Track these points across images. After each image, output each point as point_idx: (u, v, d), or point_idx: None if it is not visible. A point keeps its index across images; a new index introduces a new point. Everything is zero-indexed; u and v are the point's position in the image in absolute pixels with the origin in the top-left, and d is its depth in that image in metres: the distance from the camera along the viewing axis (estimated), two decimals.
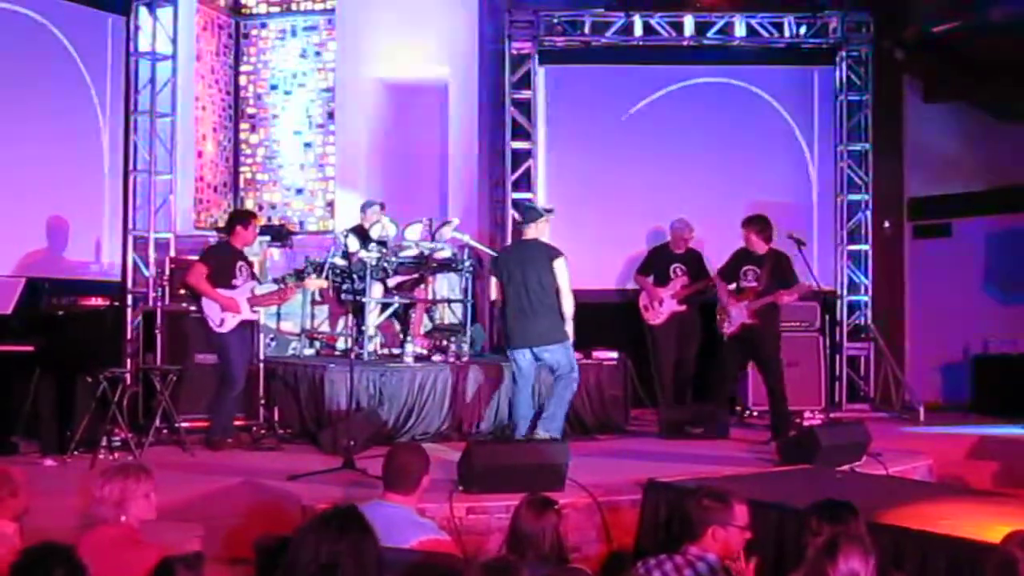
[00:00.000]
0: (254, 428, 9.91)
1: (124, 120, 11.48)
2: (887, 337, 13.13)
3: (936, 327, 13.82)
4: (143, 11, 11.63)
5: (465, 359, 10.35)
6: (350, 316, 10.87)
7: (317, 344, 11.64)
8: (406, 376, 9.85)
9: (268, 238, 12.62)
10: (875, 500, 6.10)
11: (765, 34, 13.25)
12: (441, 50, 13.57)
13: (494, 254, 12.28)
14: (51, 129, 10.72)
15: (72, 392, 8.83)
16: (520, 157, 13.22)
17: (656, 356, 11.53)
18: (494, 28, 13.51)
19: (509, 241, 13.08)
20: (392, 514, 5.29)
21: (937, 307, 13.82)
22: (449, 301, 11.61)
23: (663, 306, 11.49)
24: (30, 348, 8.68)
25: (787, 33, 13.26)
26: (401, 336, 11.02)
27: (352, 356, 9.56)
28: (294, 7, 14.58)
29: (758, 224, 10.25)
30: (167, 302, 10.50)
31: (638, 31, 13.19)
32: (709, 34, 13.23)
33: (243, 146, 14.58)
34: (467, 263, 11.08)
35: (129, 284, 11.41)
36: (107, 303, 10.85)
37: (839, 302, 13.13)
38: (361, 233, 10.87)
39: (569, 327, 9.05)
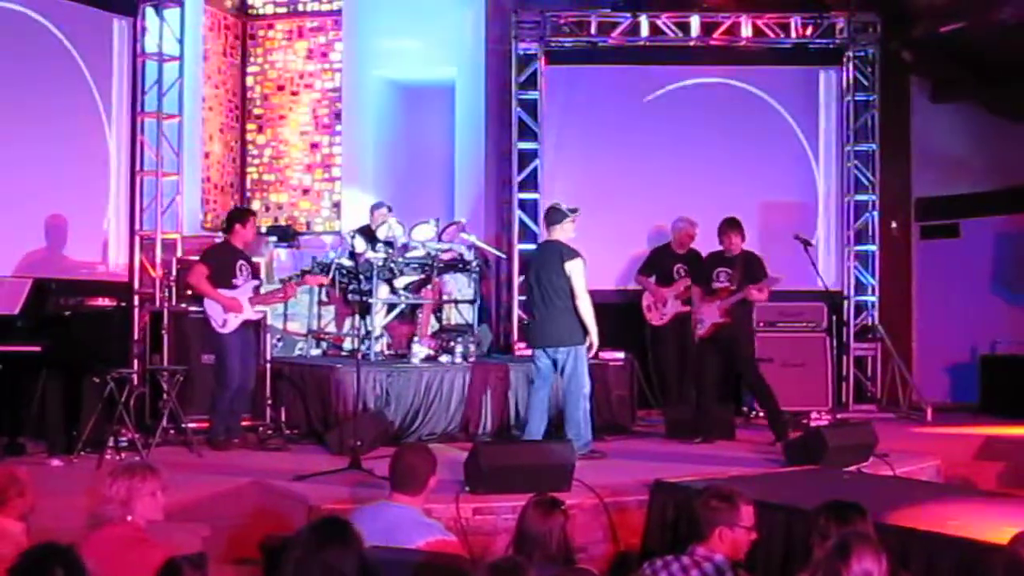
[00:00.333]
0: (261, 428, 9.90)
1: (131, 121, 11.49)
2: (894, 337, 13.10)
3: (944, 327, 13.81)
4: (150, 12, 11.63)
5: (472, 360, 10.34)
6: (356, 316, 10.87)
7: (324, 345, 11.65)
8: (413, 377, 9.85)
9: (275, 238, 12.62)
10: (882, 501, 6.09)
11: (771, 34, 13.23)
12: (448, 51, 13.58)
13: (501, 255, 12.31)
14: (56, 130, 10.72)
15: (79, 392, 8.84)
16: (526, 157, 13.21)
17: (659, 357, 11.53)
18: (500, 29, 13.50)
19: (515, 242, 13.10)
20: (399, 515, 5.30)
21: (944, 307, 13.81)
22: (456, 302, 11.61)
23: (667, 307, 11.48)
24: (37, 348, 8.69)
25: (793, 33, 13.24)
26: (408, 337, 11.03)
27: (359, 356, 9.56)
28: (301, 8, 14.59)
29: (738, 227, 10.26)
30: (174, 303, 10.50)
31: (644, 31, 13.18)
32: (715, 34, 13.22)
33: (250, 146, 14.60)
34: (474, 264, 11.07)
35: (136, 285, 11.41)
36: (114, 303, 10.88)
37: (846, 303, 13.11)
38: (368, 234, 10.87)
39: (592, 332, 8.97)
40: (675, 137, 13.13)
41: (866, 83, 13.23)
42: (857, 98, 13.23)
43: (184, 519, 6.62)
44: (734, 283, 10.11)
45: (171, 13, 11.72)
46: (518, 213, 13.15)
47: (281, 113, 14.54)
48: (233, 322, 9.35)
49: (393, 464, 5.61)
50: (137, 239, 11.46)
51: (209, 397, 9.66)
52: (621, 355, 10.71)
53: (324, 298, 11.60)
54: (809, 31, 13.25)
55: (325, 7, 14.52)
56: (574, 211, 9.14)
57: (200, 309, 9.66)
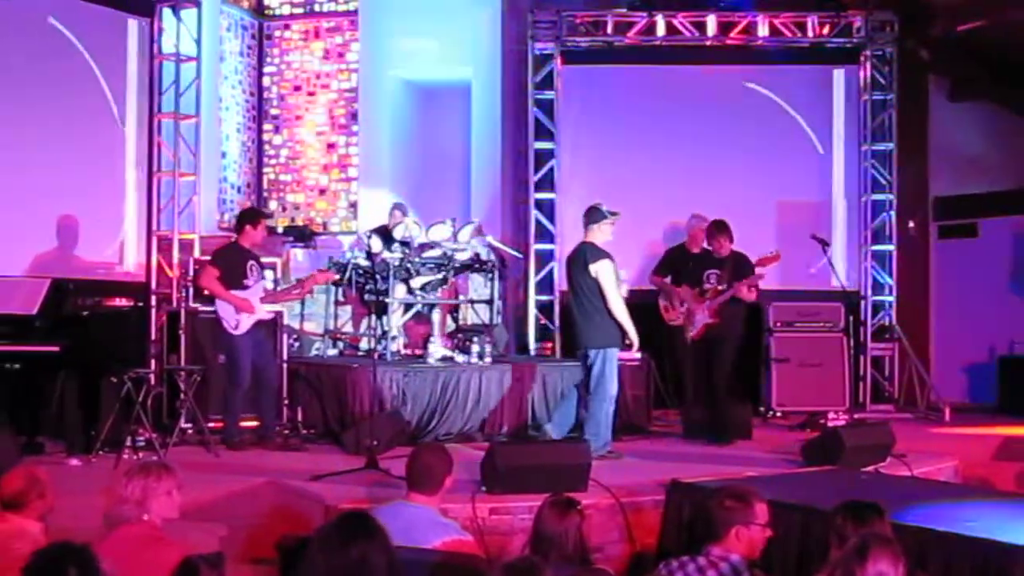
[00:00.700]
0: (277, 428, 9.91)
1: (148, 121, 11.52)
2: (912, 337, 13.07)
3: (961, 327, 13.76)
4: (167, 13, 11.67)
5: (488, 360, 10.34)
6: (373, 316, 10.87)
7: (340, 344, 11.65)
8: (429, 376, 9.84)
9: (291, 239, 12.64)
10: (900, 501, 6.07)
11: (788, 34, 13.21)
12: (464, 51, 13.59)
13: (517, 255, 12.31)
14: (70, 130, 10.77)
15: (97, 392, 8.86)
16: (543, 157, 13.21)
17: (676, 357, 11.50)
18: (517, 28, 13.51)
19: (532, 242, 13.11)
20: (415, 515, 5.30)
21: (962, 307, 13.76)
22: (472, 302, 11.61)
23: (683, 306, 11.45)
24: (55, 348, 8.72)
25: (810, 33, 13.22)
26: (425, 337, 11.03)
27: (375, 356, 9.57)
28: (317, 8, 14.61)
29: (727, 229, 10.31)
30: (191, 303, 10.52)
31: (661, 31, 13.17)
32: (732, 34, 13.20)
33: (266, 147, 14.63)
34: (490, 264, 11.07)
35: (153, 285, 11.44)
36: (131, 304, 10.91)
37: (863, 302, 13.07)
38: (385, 234, 10.88)
39: (630, 331, 8.95)
40: (691, 136, 13.11)
41: (883, 82, 13.19)
42: (874, 97, 13.19)
43: (201, 519, 6.64)
44: (723, 284, 10.13)
45: (188, 14, 11.75)
46: (534, 213, 13.16)
47: (298, 113, 14.57)
48: (245, 323, 9.37)
49: (410, 464, 5.61)
50: (154, 239, 11.50)
51: (222, 397, 9.67)
52: (637, 355, 10.69)
53: (341, 298, 11.60)
54: (826, 30, 13.22)
55: (341, 7, 14.54)
56: (614, 214, 9.11)
57: (212, 309, 9.68)
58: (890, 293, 13.18)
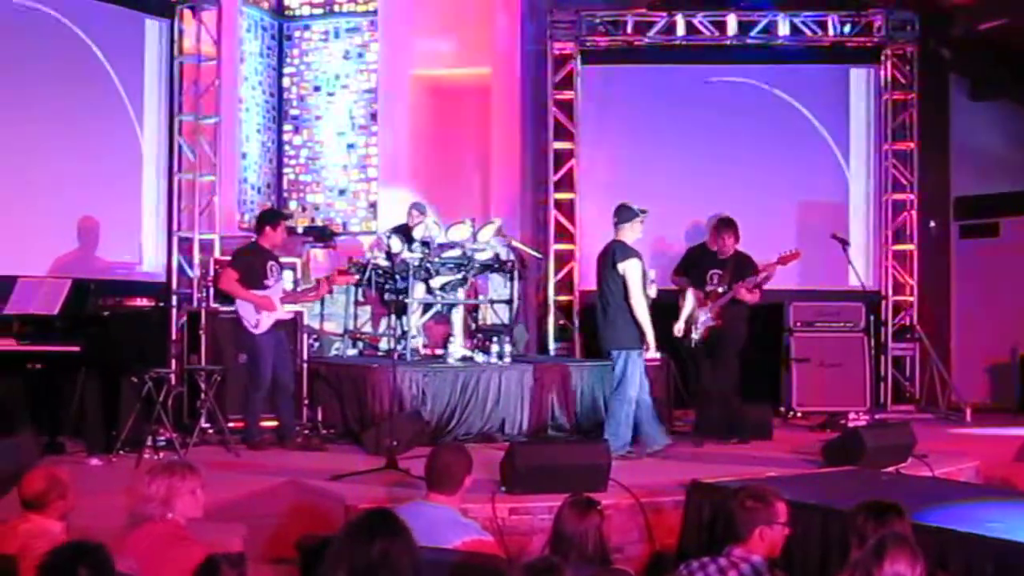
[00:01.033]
0: (297, 428, 9.92)
1: (168, 122, 11.56)
2: (933, 337, 13.02)
3: (983, 327, 13.71)
4: (187, 14, 11.71)
5: (508, 360, 10.34)
6: (393, 316, 10.89)
7: (360, 344, 11.68)
8: (449, 376, 9.85)
9: (311, 239, 12.66)
10: (921, 501, 6.05)
11: (809, 33, 13.18)
12: (483, 51, 13.59)
13: (538, 255, 12.30)
14: (89, 131, 10.82)
15: (117, 392, 8.90)
16: (562, 157, 13.21)
17: (684, 358, 11.47)
18: (536, 28, 13.51)
19: (551, 242, 13.11)
20: (435, 514, 5.30)
21: (984, 307, 13.71)
22: (492, 302, 11.61)
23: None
24: (76, 348, 8.76)
25: (831, 32, 13.19)
26: (444, 337, 11.05)
27: (395, 356, 9.58)
28: (337, 9, 14.63)
29: (732, 227, 10.22)
30: (211, 303, 10.54)
31: (680, 31, 13.16)
32: (752, 33, 13.17)
33: (286, 147, 14.64)
34: (510, 264, 11.07)
35: (174, 285, 11.49)
36: (152, 304, 10.94)
37: (884, 302, 13.03)
38: (405, 233, 10.89)
39: (648, 333, 8.92)
40: (711, 136, 13.09)
41: (904, 81, 13.15)
42: (895, 96, 13.16)
43: (222, 518, 6.64)
44: (723, 284, 10.04)
45: (208, 15, 11.79)
46: (554, 213, 13.16)
47: (317, 114, 14.57)
48: (266, 322, 9.39)
49: (429, 464, 5.61)
50: (175, 240, 11.54)
51: (243, 397, 9.70)
52: (658, 356, 10.67)
53: (360, 298, 11.63)
54: (847, 29, 13.20)
55: (361, 8, 14.53)
56: (644, 212, 9.09)
57: (232, 309, 9.71)
58: (911, 293, 13.14)
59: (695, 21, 13.14)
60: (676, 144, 13.10)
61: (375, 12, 14.16)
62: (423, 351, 10.91)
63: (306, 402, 10.36)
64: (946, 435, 10.74)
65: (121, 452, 8.60)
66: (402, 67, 13.75)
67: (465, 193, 13.56)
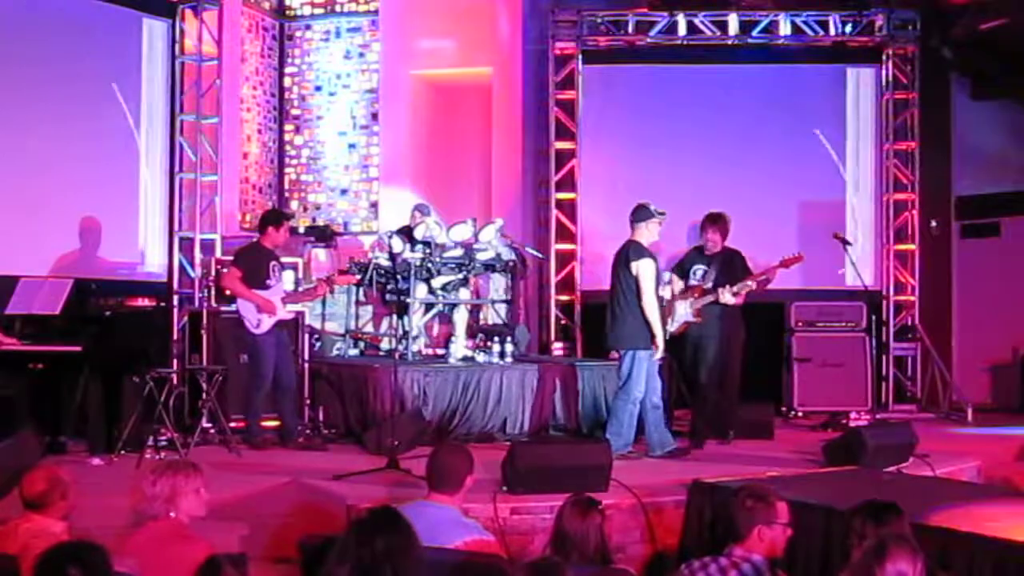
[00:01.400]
0: (299, 428, 9.92)
1: (169, 122, 11.57)
2: (934, 337, 13.02)
3: (984, 327, 13.70)
4: (188, 14, 11.71)
5: (509, 360, 10.34)
6: (394, 316, 10.89)
7: (361, 344, 11.68)
8: (450, 376, 9.85)
9: (312, 239, 12.67)
10: (922, 501, 6.05)
11: (810, 32, 13.18)
12: (484, 50, 13.60)
13: (538, 255, 12.30)
14: (90, 131, 10.85)
15: (119, 392, 8.91)
16: (563, 157, 13.21)
17: (697, 357, 11.44)
18: (537, 28, 13.51)
19: (553, 242, 13.12)
20: (437, 514, 5.30)
21: (985, 307, 13.70)
22: (493, 302, 11.61)
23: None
24: (78, 348, 8.78)
25: (832, 31, 13.18)
26: (446, 337, 11.05)
27: (396, 356, 9.58)
28: (338, 8, 14.63)
29: (718, 222, 10.09)
30: (213, 303, 10.55)
31: (682, 30, 13.16)
32: (753, 33, 13.17)
33: (288, 147, 14.65)
34: (511, 264, 11.07)
35: (175, 285, 11.49)
36: (154, 304, 10.95)
37: (885, 302, 13.03)
38: (406, 234, 10.90)
39: (657, 334, 8.86)
40: (712, 136, 13.08)
41: (905, 81, 13.16)
42: (896, 96, 13.17)
43: (223, 518, 6.66)
44: (708, 282, 9.95)
45: (209, 15, 11.80)
46: (555, 213, 13.16)
47: (319, 114, 14.58)
48: (267, 322, 9.40)
49: (430, 463, 5.62)
50: (176, 240, 11.55)
51: (245, 397, 9.70)
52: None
53: (362, 298, 11.63)
54: (848, 29, 13.19)
55: (362, 8, 14.54)
56: (662, 214, 9.06)
57: (233, 309, 9.73)
58: (912, 293, 13.14)
59: (696, 21, 13.13)
60: (677, 144, 13.10)
61: (376, 12, 14.17)
62: (424, 351, 10.92)
63: (308, 402, 10.36)
64: (947, 435, 10.74)
65: (123, 452, 8.61)
66: (403, 67, 13.76)
67: (466, 193, 13.57)
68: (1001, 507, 6.24)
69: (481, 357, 10.42)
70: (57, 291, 9.11)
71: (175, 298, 11.43)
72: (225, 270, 10.07)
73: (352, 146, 14.50)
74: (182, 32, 11.70)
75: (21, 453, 6.91)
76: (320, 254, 12.86)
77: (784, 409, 12.04)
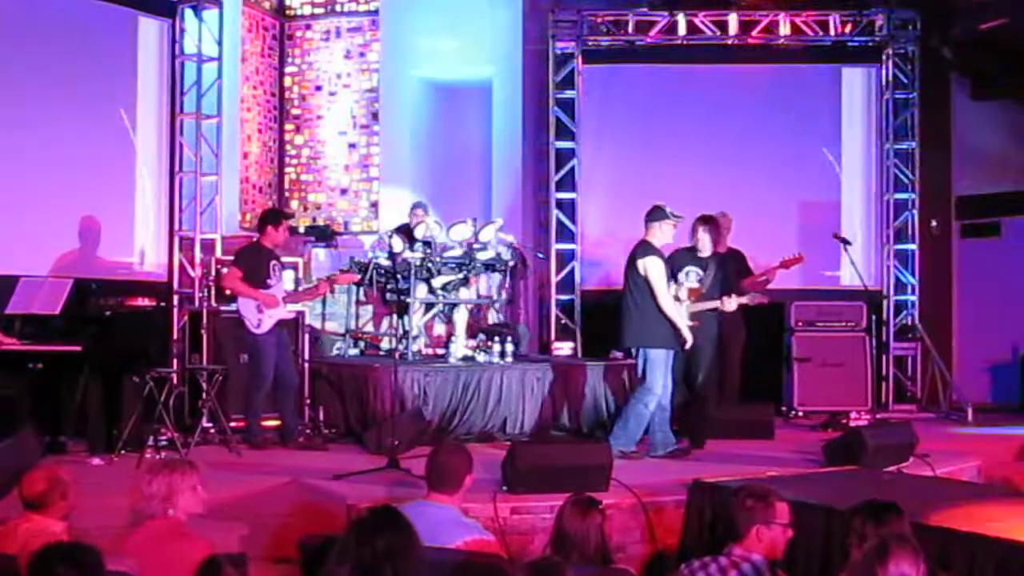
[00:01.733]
0: (299, 427, 9.92)
1: (170, 122, 11.57)
2: (934, 337, 13.01)
3: (985, 327, 13.70)
4: (188, 13, 11.71)
5: (510, 359, 10.34)
6: (394, 316, 10.89)
7: (362, 344, 11.68)
8: (451, 376, 9.85)
9: (312, 239, 12.67)
10: (922, 501, 6.05)
11: (810, 32, 13.17)
12: (485, 50, 13.59)
13: (538, 254, 12.30)
14: (87, 130, 10.82)
15: (119, 392, 8.90)
16: (564, 157, 13.20)
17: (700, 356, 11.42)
18: (538, 28, 13.51)
19: (553, 241, 13.12)
20: (436, 514, 5.30)
21: (986, 307, 13.70)
22: (493, 301, 11.61)
23: None
24: (78, 348, 8.77)
25: (832, 31, 13.17)
26: (446, 336, 11.05)
27: (397, 356, 9.58)
28: (338, 8, 14.64)
29: (708, 223, 9.82)
30: (213, 303, 10.54)
31: (682, 30, 13.15)
32: (753, 33, 13.16)
33: (288, 147, 14.66)
34: (511, 263, 11.07)
35: (175, 285, 11.49)
36: (154, 303, 10.94)
37: (885, 302, 13.02)
38: (406, 233, 10.89)
39: (682, 329, 8.84)
40: (713, 136, 13.09)
41: (905, 81, 13.14)
42: (896, 96, 13.16)
43: (223, 518, 6.66)
44: (704, 286, 9.81)
45: (210, 14, 11.80)
46: (555, 212, 13.15)
47: (319, 113, 14.59)
48: (267, 322, 9.39)
49: (430, 463, 5.62)
50: (176, 239, 11.54)
51: (245, 397, 9.70)
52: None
53: (362, 298, 11.63)
54: (848, 29, 13.18)
55: (363, 7, 14.56)
56: (678, 217, 9.04)
57: (233, 308, 9.73)
58: (912, 292, 13.13)
59: (696, 21, 13.13)
60: (678, 143, 13.11)
61: (376, 12, 14.17)
62: (425, 351, 10.91)
63: (308, 402, 10.35)
64: (948, 435, 10.73)
65: (123, 452, 8.60)
66: (403, 66, 13.75)
67: (466, 192, 13.55)
68: (1001, 507, 6.25)
69: (481, 357, 10.42)
70: (57, 291, 9.11)
71: (175, 298, 11.42)
72: (225, 270, 10.07)
73: (352, 146, 14.50)
74: (182, 32, 11.70)
75: (21, 453, 6.91)
76: (320, 254, 12.87)
77: (784, 409, 12.03)
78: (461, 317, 11.00)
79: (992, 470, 8.93)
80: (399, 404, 9.31)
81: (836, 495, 6.37)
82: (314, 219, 14.33)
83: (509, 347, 10.44)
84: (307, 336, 10.65)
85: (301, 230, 13.52)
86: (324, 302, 11.33)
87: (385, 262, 10.62)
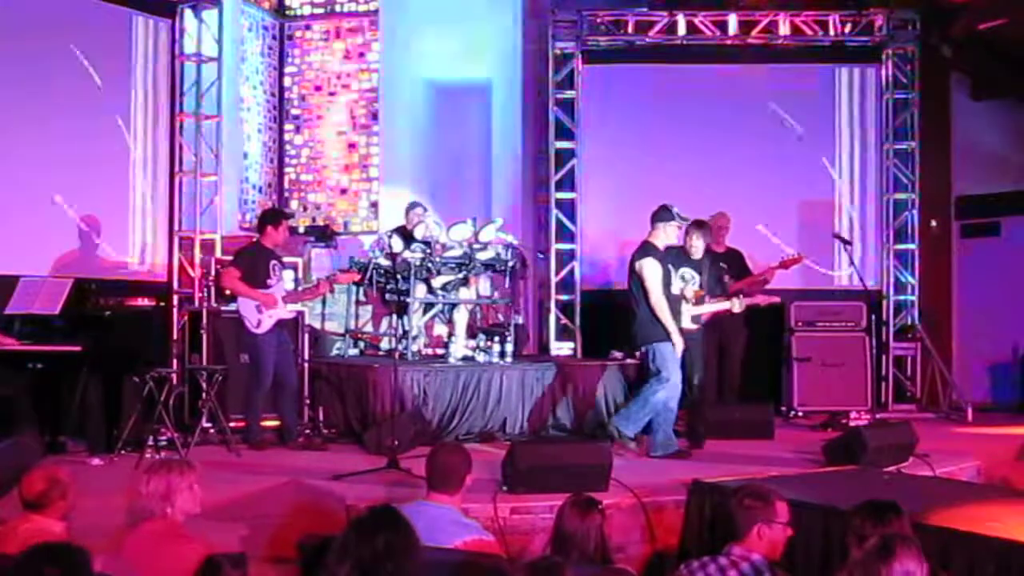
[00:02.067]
0: (299, 427, 9.92)
1: (170, 122, 11.56)
2: (934, 337, 13.01)
3: (984, 327, 13.71)
4: (188, 13, 11.71)
5: (509, 359, 10.34)
6: (394, 316, 10.89)
7: (361, 344, 11.67)
8: (450, 376, 9.85)
9: (312, 239, 12.66)
10: (922, 501, 6.05)
11: (810, 32, 13.15)
12: (484, 50, 13.58)
13: (539, 254, 12.30)
14: (86, 131, 10.79)
15: (119, 392, 8.91)
16: (563, 157, 13.19)
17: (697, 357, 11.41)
18: (537, 28, 13.51)
19: (552, 241, 13.11)
20: (436, 514, 5.30)
21: (985, 306, 13.71)
22: (493, 301, 11.60)
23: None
24: (78, 348, 8.77)
25: (832, 31, 13.15)
26: (445, 336, 11.05)
27: (396, 356, 9.58)
28: (338, 8, 14.64)
29: (700, 228, 9.71)
30: (213, 303, 10.54)
31: (682, 30, 13.14)
32: (753, 33, 13.15)
33: (287, 147, 14.66)
34: (511, 264, 11.07)
35: (175, 285, 11.49)
36: (153, 304, 10.94)
37: (885, 302, 13.02)
38: (405, 233, 10.89)
39: (671, 332, 8.83)
40: (712, 135, 13.07)
41: (905, 81, 13.13)
42: (896, 95, 13.14)
43: (223, 518, 6.66)
44: (704, 288, 9.75)
45: (209, 14, 11.79)
46: (555, 212, 13.14)
47: (319, 113, 14.59)
48: (267, 322, 9.39)
49: (429, 463, 5.62)
50: (176, 239, 11.54)
51: (244, 397, 9.69)
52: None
53: (362, 298, 11.62)
54: (848, 29, 13.17)
55: (362, 8, 14.56)
56: (684, 219, 9.04)
57: (233, 308, 9.73)
58: (912, 292, 13.11)
59: (696, 21, 13.12)
60: (677, 143, 13.10)
61: (376, 12, 14.17)
62: (424, 351, 10.91)
63: (307, 402, 10.35)
64: (947, 434, 10.73)
65: (123, 452, 8.61)
66: (403, 66, 13.74)
67: (466, 192, 13.54)
68: (1001, 507, 6.25)
69: (481, 357, 10.42)
70: (57, 291, 9.11)
71: (175, 298, 11.42)
72: (222, 268, 10.08)
73: (352, 146, 14.50)
74: (182, 32, 11.69)
75: (21, 453, 6.91)
76: (320, 254, 12.86)
77: (784, 409, 12.02)
78: (461, 317, 11.00)
79: (992, 470, 8.92)
80: (399, 404, 9.32)
81: (836, 495, 6.38)
82: (314, 219, 14.32)
83: (509, 347, 10.44)
84: (306, 336, 10.64)
85: (301, 230, 13.52)
86: (324, 302, 11.33)
87: (385, 262, 10.61)
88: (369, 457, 8.60)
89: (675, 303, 9.02)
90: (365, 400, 9.74)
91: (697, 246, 9.64)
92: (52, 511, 5.05)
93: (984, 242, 14.08)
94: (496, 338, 10.52)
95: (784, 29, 13.11)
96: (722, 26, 13.15)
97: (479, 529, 5.53)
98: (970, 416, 12.02)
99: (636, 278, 8.91)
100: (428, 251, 10.62)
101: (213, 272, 10.73)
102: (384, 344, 11.44)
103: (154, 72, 11.48)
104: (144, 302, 11.01)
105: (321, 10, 14.68)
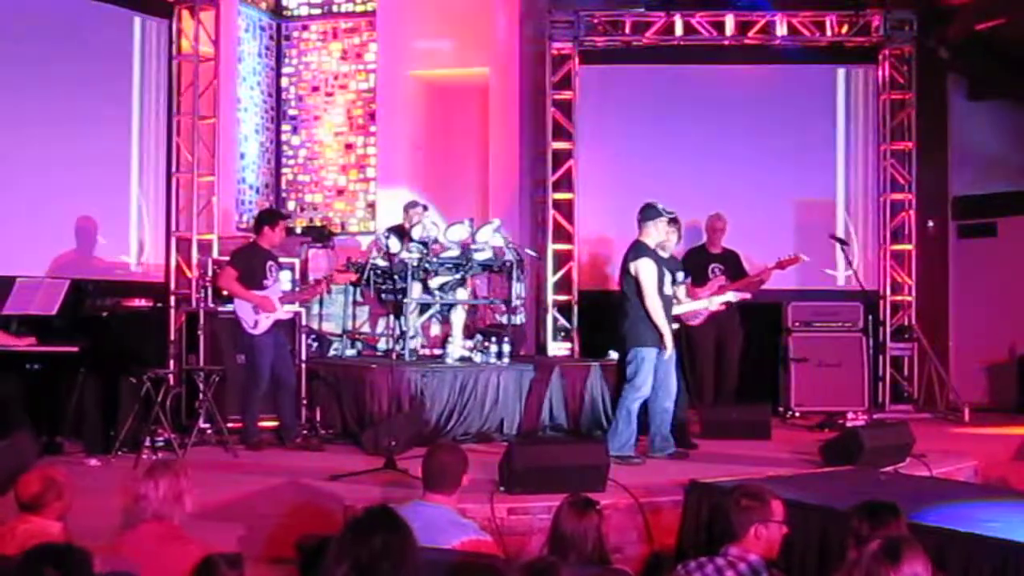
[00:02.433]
0: (296, 428, 9.91)
1: (167, 122, 11.56)
2: (931, 337, 13.01)
3: (981, 327, 13.70)
4: (185, 14, 11.71)
5: (507, 360, 10.34)
6: (391, 317, 10.89)
7: (358, 345, 11.67)
8: (447, 376, 9.85)
9: (309, 239, 12.66)
10: (919, 501, 6.05)
11: (807, 33, 13.16)
12: (482, 50, 13.58)
13: (534, 255, 12.30)
14: (84, 131, 10.78)
15: (116, 392, 8.91)
16: (561, 157, 13.19)
17: (695, 357, 11.42)
18: (535, 28, 13.50)
19: (550, 242, 13.11)
20: (433, 514, 5.30)
21: (982, 307, 13.71)
22: (490, 302, 11.60)
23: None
24: (75, 349, 8.78)
25: (829, 32, 13.16)
26: (443, 337, 11.05)
27: (393, 356, 9.57)
28: (335, 9, 14.63)
29: (676, 223, 9.55)
30: (210, 303, 10.54)
31: (679, 31, 13.14)
32: (750, 33, 13.16)
33: (285, 147, 14.64)
34: (508, 264, 11.07)
35: (172, 285, 11.48)
36: (150, 304, 10.93)
37: (882, 302, 13.02)
38: (402, 233, 10.88)
39: (664, 333, 8.75)
40: (709, 136, 13.08)
41: (902, 81, 13.14)
42: (893, 96, 13.15)
43: (220, 519, 6.66)
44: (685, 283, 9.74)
45: (206, 15, 11.79)
46: (552, 213, 13.15)
47: (316, 114, 14.58)
48: (264, 323, 9.40)
49: (426, 464, 5.61)
50: (173, 240, 11.54)
51: (242, 398, 9.69)
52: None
53: (359, 298, 11.62)
54: (844, 29, 13.18)
55: (359, 8, 14.55)
56: (671, 213, 8.99)
57: (230, 309, 9.73)
58: (909, 293, 13.12)
59: (693, 21, 13.12)
60: (675, 144, 13.10)
61: (373, 12, 14.16)
62: (421, 351, 10.91)
63: (305, 402, 10.35)
64: (944, 435, 10.74)
65: (120, 452, 8.62)
66: (400, 67, 13.74)
67: (463, 193, 13.55)
68: (998, 507, 6.25)
69: (478, 357, 10.42)
70: (54, 291, 9.11)
71: (172, 298, 11.42)
72: (219, 269, 10.08)
73: (349, 146, 14.49)
74: (179, 32, 11.69)
75: (18, 454, 6.91)
76: (317, 254, 12.85)
77: (781, 409, 12.03)
78: (458, 318, 11.00)
79: (989, 470, 8.94)
80: (396, 405, 9.32)
81: (833, 495, 6.38)
82: (311, 220, 14.32)
83: (506, 348, 10.43)
84: (303, 336, 10.64)
85: (298, 231, 13.52)
86: (321, 302, 11.33)
87: (382, 263, 10.61)
88: (366, 457, 8.60)
89: (668, 304, 8.99)
90: (362, 400, 9.74)
91: (672, 240, 9.52)
92: (48, 512, 5.04)
93: (981, 243, 14.08)
94: (493, 339, 10.52)
95: (781, 30, 13.11)
96: (719, 26, 13.15)
97: (476, 529, 5.53)
98: (967, 416, 12.03)
99: (630, 278, 8.85)
100: (425, 251, 10.62)
101: (210, 272, 10.73)
102: (381, 344, 11.44)
103: (151, 72, 11.48)
104: (141, 303, 10.98)
105: (318, 10, 14.67)
